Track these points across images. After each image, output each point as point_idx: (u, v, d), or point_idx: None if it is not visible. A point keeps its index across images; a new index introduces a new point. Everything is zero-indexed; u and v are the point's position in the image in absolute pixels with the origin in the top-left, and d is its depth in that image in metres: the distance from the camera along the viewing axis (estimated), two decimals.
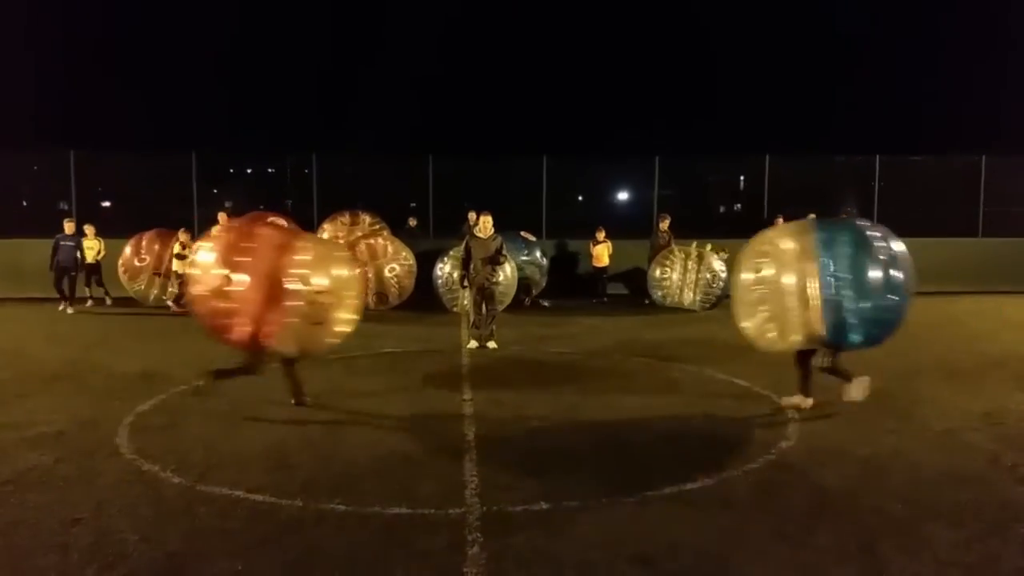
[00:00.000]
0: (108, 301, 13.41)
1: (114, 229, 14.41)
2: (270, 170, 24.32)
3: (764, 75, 33.18)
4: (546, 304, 13.61)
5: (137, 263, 13.23)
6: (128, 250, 13.29)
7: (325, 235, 13.57)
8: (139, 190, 17.50)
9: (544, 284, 14.07)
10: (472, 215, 14.30)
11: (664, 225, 13.84)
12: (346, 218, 13.75)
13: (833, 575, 3.39)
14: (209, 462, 4.91)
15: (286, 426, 5.80)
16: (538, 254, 13.91)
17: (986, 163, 16.48)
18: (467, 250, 9.00)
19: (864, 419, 5.93)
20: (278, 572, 3.43)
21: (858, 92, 30.63)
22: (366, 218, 13.72)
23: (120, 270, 13.29)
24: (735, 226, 15.47)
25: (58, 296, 12.71)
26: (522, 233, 14.18)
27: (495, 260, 8.99)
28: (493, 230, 9.04)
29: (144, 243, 13.27)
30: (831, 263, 5.60)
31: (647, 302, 13.60)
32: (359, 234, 13.36)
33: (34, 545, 3.70)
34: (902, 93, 30.09)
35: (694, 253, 12.99)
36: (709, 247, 13.34)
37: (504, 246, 9.17)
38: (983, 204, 16.53)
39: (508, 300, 12.43)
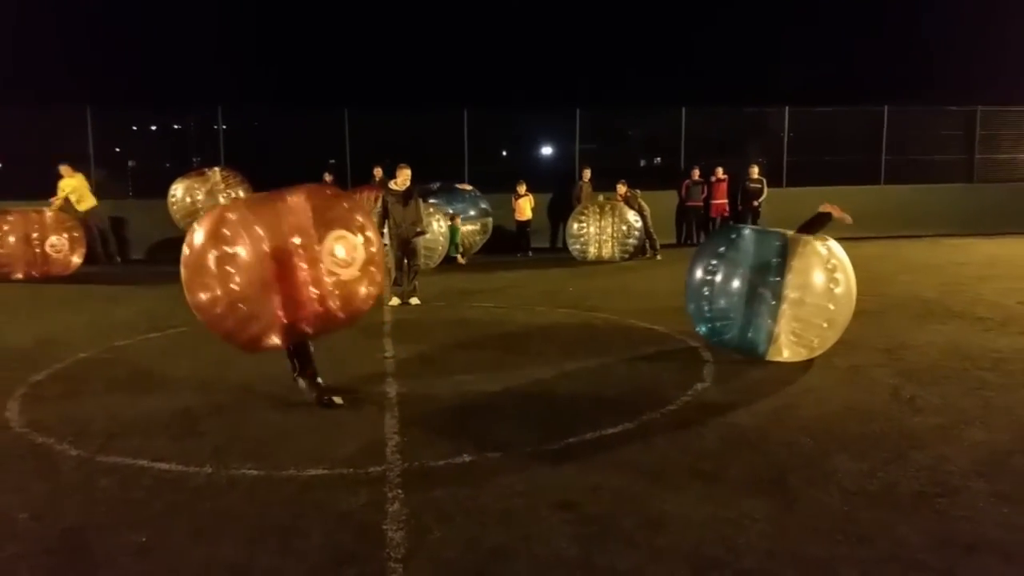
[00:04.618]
0: None
1: (11, 192, 13.45)
2: (176, 126, 22.92)
3: (680, 26, 33.45)
4: (462, 261, 13.31)
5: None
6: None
7: (177, 194, 13.20)
8: (32, 149, 16.15)
9: (482, 241, 13.88)
10: (378, 170, 13.94)
11: (585, 176, 14.11)
12: (195, 175, 13.42)
13: (745, 507, 3.48)
14: (110, 431, 4.63)
15: (193, 392, 5.52)
16: (482, 206, 13.74)
17: (888, 113, 17.20)
18: (384, 205, 8.73)
19: (776, 359, 6.12)
20: (186, 541, 3.26)
21: (767, 44, 31.24)
22: (215, 173, 13.39)
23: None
24: (656, 178, 15.67)
25: None
26: (458, 185, 13.95)
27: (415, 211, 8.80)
28: (409, 183, 8.81)
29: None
30: None
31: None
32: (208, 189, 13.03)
33: None
34: (809, 46, 30.83)
35: (607, 207, 13.08)
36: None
37: (417, 191, 8.99)
38: (885, 152, 17.29)
39: (438, 259, 12.21)
